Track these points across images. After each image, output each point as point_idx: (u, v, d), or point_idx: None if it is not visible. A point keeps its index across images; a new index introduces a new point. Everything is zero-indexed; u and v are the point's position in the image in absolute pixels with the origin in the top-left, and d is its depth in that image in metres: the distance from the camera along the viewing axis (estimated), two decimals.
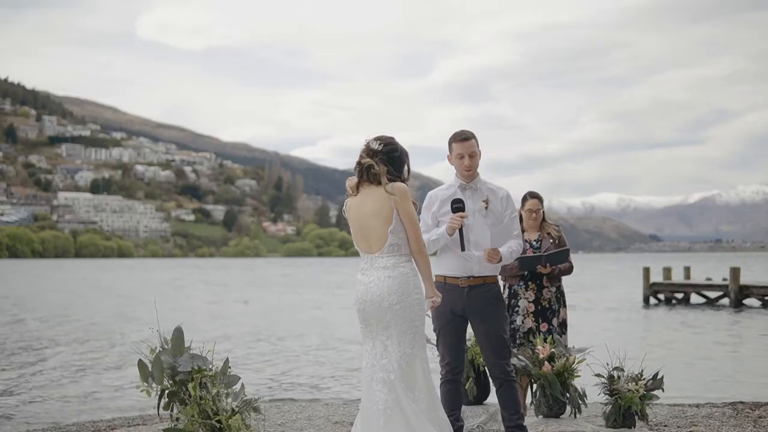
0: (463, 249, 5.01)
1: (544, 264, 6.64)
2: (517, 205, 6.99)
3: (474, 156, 5.17)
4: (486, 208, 5.17)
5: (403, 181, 4.56)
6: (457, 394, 5.19)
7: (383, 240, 4.46)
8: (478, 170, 5.27)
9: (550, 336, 6.64)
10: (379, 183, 4.49)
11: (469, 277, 5.11)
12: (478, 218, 5.15)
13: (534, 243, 6.81)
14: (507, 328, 5.21)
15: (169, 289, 46.53)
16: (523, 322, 6.74)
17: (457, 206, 5.01)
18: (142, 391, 4.87)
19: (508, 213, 5.25)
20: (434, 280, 4.98)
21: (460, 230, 4.97)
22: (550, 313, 6.78)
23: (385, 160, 4.52)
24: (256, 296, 38.93)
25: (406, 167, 4.60)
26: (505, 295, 6.85)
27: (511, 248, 5.18)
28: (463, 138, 5.18)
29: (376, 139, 4.57)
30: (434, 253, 5.16)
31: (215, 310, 29.47)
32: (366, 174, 4.52)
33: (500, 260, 5.11)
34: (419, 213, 5.10)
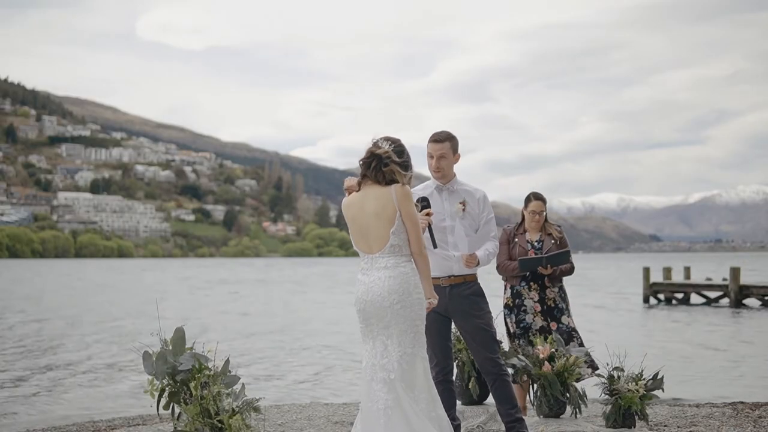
0: (435, 246, 5.02)
1: (545, 265, 6.65)
2: (520, 205, 7.02)
3: (443, 158, 5.18)
4: (463, 210, 5.19)
5: (405, 184, 4.55)
6: (449, 394, 5.21)
7: (384, 240, 4.46)
8: (456, 172, 5.30)
9: (550, 336, 6.65)
10: (387, 181, 4.47)
11: (449, 276, 5.17)
12: (454, 220, 5.19)
13: (536, 243, 6.81)
14: (492, 323, 5.26)
15: (202, 288, 46.56)
16: (533, 320, 6.75)
17: (423, 204, 5.01)
18: (146, 392, 4.87)
19: (485, 215, 5.28)
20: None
21: (430, 228, 4.98)
22: (557, 312, 6.80)
23: (395, 162, 4.51)
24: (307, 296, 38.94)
25: (410, 170, 4.59)
26: (507, 295, 6.86)
27: (488, 250, 5.23)
28: (435, 139, 5.21)
29: (385, 138, 4.56)
30: None
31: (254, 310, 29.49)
32: (374, 171, 4.51)
33: (478, 264, 5.16)
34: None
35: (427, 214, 4.95)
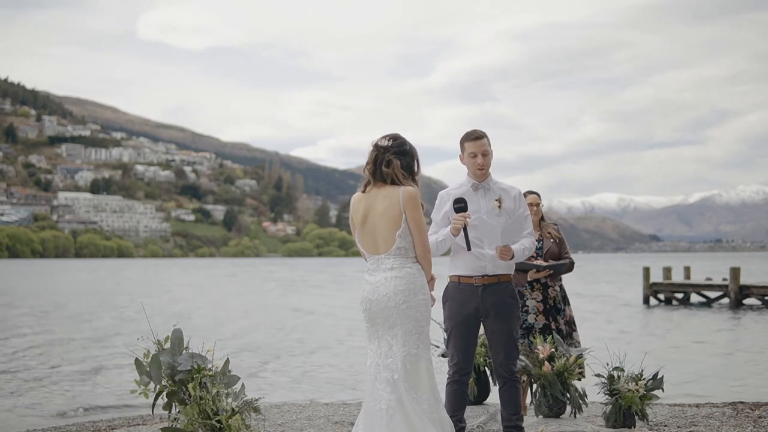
0: (469, 248, 4.98)
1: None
2: None
3: (487, 154, 5.14)
4: (499, 207, 5.13)
5: (414, 178, 4.54)
6: (461, 395, 5.16)
7: (391, 242, 4.45)
8: (490, 170, 5.23)
9: (550, 336, 6.65)
10: (393, 181, 4.47)
11: (483, 276, 5.08)
12: (491, 217, 5.12)
13: (535, 243, 6.81)
14: (518, 328, 5.20)
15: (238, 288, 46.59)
16: (536, 320, 6.76)
17: (459, 206, 4.97)
18: (140, 393, 4.86)
19: (521, 212, 5.21)
20: (449, 280, 5.11)
21: (465, 230, 4.94)
22: (555, 312, 6.81)
23: (397, 154, 4.49)
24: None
25: (416, 162, 4.59)
26: None
27: (523, 246, 5.14)
28: (475, 137, 5.15)
29: (383, 137, 4.57)
30: (447, 253, 5.15)
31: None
32: (379, 171, 4.50)
33: (512, 257, 5.06)
34: (429, 214, 5.09)
35: (464, 217, 4.91)
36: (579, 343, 6.88)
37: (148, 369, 4.80)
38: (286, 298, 37.29)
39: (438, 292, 4.65)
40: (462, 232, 4.95)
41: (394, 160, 4.47)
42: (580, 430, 6.17)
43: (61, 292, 40.94)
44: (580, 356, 6.56)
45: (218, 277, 69.01)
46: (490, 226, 5.10)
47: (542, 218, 6.98)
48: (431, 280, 4.57)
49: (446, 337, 5.21)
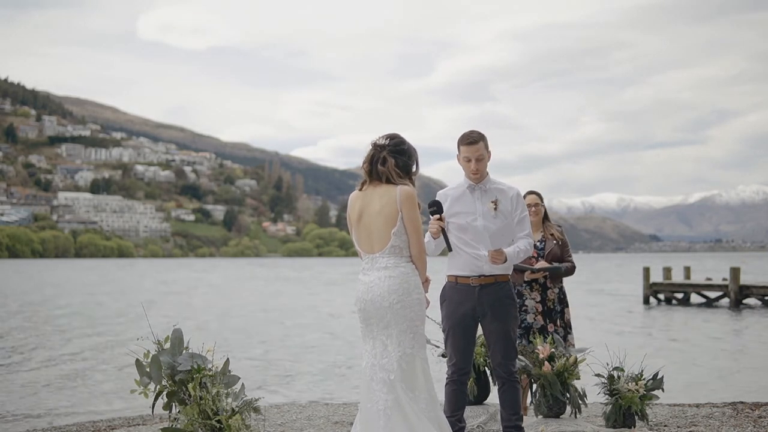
0: (450, 249, 4.97)
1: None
2: None
3: (481, 159, 5.06)
4: (495, 209, 5.08)
5: (411, 178, 4.52)
6: (461, 395, 5.14)
7: (386, 240, 4.44)
8: (488, 169, 5.17)
9: (551, 336, 6.64)
10: (388, 180, 4.46)
11: (479, 276, 5.04)
12: (487, 219, 5.07)
13: (538, 244, 6.81)
14: (516, 329, 5.17)
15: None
16: (534, 320, 6.76)
17: (433, 209, 4.90)
18: (140, 393, 4.85)
19: (518, 213, 5.14)
20: (446, 280, 5.08)
21: (444, 232, 4.88)
22: (554, 314, 6.80)
23: (394, 153, 4.49)
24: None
25: (414, 162, 4.58)
26: None
27: (518, 248, 5.08)
28: (470, 141, 5.06)
29: (382, 135, 4.56)
30: (446, 254, 5.13)
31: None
32: (375, 170, 4.48)
33: (505, 260, 5.01)
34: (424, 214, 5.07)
35: (439, 219, 4.85)
36: (573, 345, 6.87)
37: (148, 369, 4.79)
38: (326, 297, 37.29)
39: (434, 293, 4.63)
40: (442, 235, 4.88)
41: (389, 159, 4.46)
42: (580, 430, 6.16)
43: (109, 293, 40.95)
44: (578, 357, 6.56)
45: (244, 277, 69.02)
46: (485, 229, 5.06)
47: (547, 218, 6.96)
48: (426, 282, 4.54)
49: (444, 338, 5.20)
